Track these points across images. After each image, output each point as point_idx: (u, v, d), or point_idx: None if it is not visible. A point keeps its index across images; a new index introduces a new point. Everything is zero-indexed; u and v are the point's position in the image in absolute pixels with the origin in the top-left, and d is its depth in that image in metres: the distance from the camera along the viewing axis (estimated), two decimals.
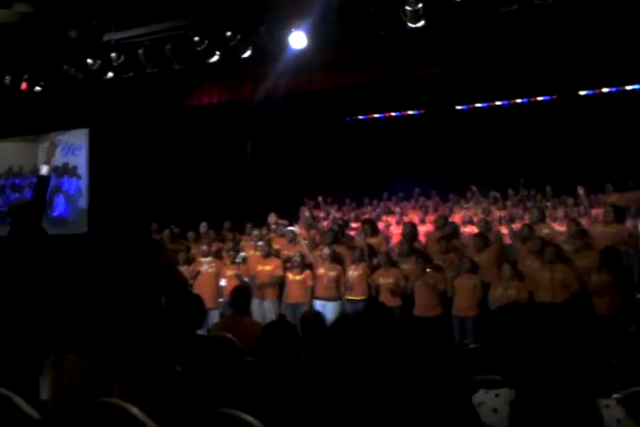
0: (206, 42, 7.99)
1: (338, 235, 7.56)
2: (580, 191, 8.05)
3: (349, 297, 6.85)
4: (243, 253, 7.78)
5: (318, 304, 6.93)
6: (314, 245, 7.57)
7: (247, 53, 8.05)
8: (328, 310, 6.83)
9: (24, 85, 9.36)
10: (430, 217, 9.12)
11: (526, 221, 7.79)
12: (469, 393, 1.56)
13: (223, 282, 7.50)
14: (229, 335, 3.89)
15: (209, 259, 7.73)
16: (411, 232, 7.52)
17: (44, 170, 4.07)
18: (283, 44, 7.77)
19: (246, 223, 9.03)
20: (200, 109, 10.17)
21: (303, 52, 7.90)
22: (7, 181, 11.46)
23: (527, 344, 1.57)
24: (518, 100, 11.90)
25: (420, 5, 6.88)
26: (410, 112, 12.83)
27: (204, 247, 7.94)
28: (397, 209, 9.91)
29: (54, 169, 11.00)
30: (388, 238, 8.30)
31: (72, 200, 10.85)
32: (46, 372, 3.23)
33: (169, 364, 2.52)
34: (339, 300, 6.91)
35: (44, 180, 4.05)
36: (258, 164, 12.04)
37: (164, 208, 9.81)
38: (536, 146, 11.05)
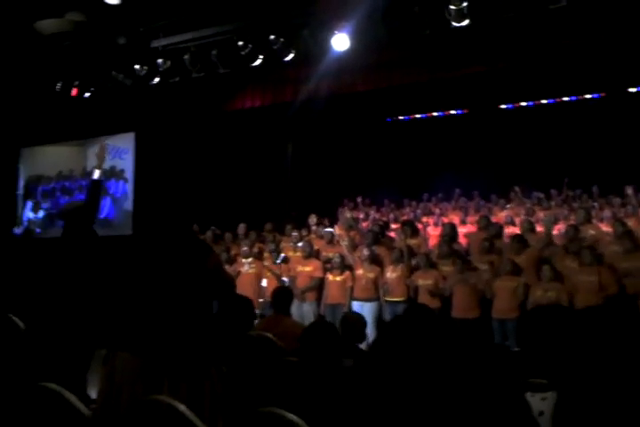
0: (250, 46, 8.10)
1: (378, 236, 7.55)
2: (629, 191, 7.83)
3: (388, 298, 6.84)
4: (283, 254, 7.84)
5: (356, 305, 6.95)
6: (353, 246, 7.59)
7: (290, 56, 8.13)
8: (366, 310, 6.83)
9: (74, 91, 9.65)
10: (471, 218, 9.01)
11: (571, 222, 7.63)
12: (523, 393, 1.55)
13: (264, 283, 7.57)
14: (270, 335, 3.93)
15: (250, 260, 7.82)
16: (450, 233, 7.46)
17: (96, 174, 4.19)
18: (325, 46, 7.82)
19: (286, 224, 9.10)
20: (243, 113, 10.29)
21: (346, 54, 7.92)
22: (57, 184, 11.83)
23: (571, 347, 1.55)
24: (565, 99, 11.63)
25: (465, 4, 6.83)
26: (452, 112, 12.69)
27: (245, 248, 8.04)
28: (437, 210, 9.83)
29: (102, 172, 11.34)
30: (427, 240, 8.25)
31: (118, 203, 11.13)
32: (94, 368, 3.32)
33: (217, 363, 2.56)
34: (377, 301, 6.92)
35: (97, 184, 4.16)
36: (299, 165, 12.11)
37: (206, 210, 9.96)
38: (582, 145, 10.79)
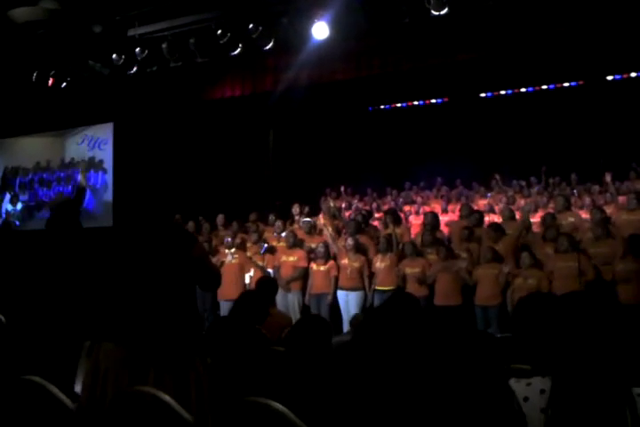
0: (229, 34, 8.02)
1: (361, 225, 7.56)
2: (608, 178, 7.93)
3: (378, 287, 6.85)
4: (266, 244, 7.83)
5: (341, 294, 6.97)
6: (337, 236, 7.60)
7: (269, 45, 8.06)
8: (351, 300, 6.87)
9: (51, 81, 9.49)
10: (452, 206, 9.07)
11: (550, 210, 7.71)
12: (506, 379, 1.57)
13: (252, 273, 7.54)
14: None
15: (233, 250, 7.79)
16: (432, 222, 7.49)
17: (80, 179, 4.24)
18: (305, 35, 7.77)
19: (269, 214, 9.08)
20: (223, 102, 10.21)
21: (326, 43, 7.89)
22: (35, 175, 11.66)
23: (561, 333, 1.57)
24: (544, 87, 11.71)
25: None
26: (433, 101, 12.72)
27: (229, 239, 8.01)
28: (418, 199, 9.88)
29: (79, 163, 11.21)
30: (409, 228, 8.29)
31: (98, 194, 11.01)
32: (81, 361, 3.30)
33: (202, 353, 2.56)
34: (362, 290, 6.93)
35: (78, 191, 4.22)
36: (280, 155, 12.08)
37: (188, 200, 9.90)
38: (562, 133, 10.90)
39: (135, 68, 8.89)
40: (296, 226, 8.45)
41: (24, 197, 11.62)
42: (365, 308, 6.82)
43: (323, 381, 2.40)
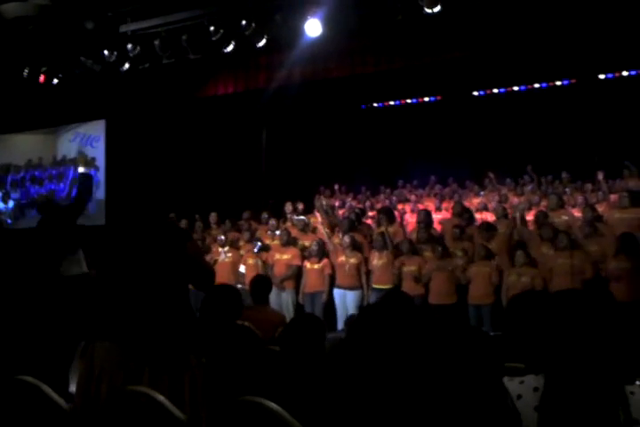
0: (222, 31, 7.99)
1: (354, 223, 7.56)
2: (600, 176, 7.96)
3: (375, 286, 6.83)
4: (260, 243, 7.82)
5: (338, 293, 6.93)
6: (331, 234, 7.59)
7: (262, 42, 8.04)
8: (349, 299, 6.83)
9: (42, 78, 9.43)
10: (446, 204, 9.09)
11: (542, 208, 7.74)
12: (500, 376, 1.57)
13: (242, 269, 7.53)
14: (248, 324, 3.93)
15: (226, 248, 7.78)
16: (425, 220, 7.50)
17: (82, 169, 4.21)
18: (298, 32, 7.75)
19: (263, 212, 9.07)
20: (216, 99, 10.19)
21: (319, 40, 7.87)
22: (27, 173, 11.60)
23: (554, 331, 1.57)
24: (536, 85, 11.75)
25: None
26: (426, 99, 12.74)
27: (222, 237, 8.00)
28: (413, 197, 9.89)
29: (72, 161, 11.16)
30: (404, 227, 8.29)
31: None
32: (75, 361, 3.29)
33: (197, 353, 2.56)
34: (360, 289, 6.89)
35: (83, 177, 4.18)
36: (273, 152, 12.06)
37: (180, 198, 9.88)
38: (554, 131, 10.93)
39: (127, 65, 8.84)
40: (289, 224, 8.44)
41: (15, 194, 11.56)
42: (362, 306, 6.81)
43: (317, 380, 2.40)
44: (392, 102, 13.05)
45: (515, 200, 8.78)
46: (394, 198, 10.00)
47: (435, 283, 6.57)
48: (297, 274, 7.30)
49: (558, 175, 9.72)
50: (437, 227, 8.02)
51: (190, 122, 10.71)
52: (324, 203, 8.43)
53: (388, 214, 7.71)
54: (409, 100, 12.90)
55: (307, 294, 7.14)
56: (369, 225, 8.07)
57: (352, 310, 6.72)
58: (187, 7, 8.02)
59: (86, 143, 10.96)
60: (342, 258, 6.97)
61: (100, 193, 10.77)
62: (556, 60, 9.39)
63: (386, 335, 1.47)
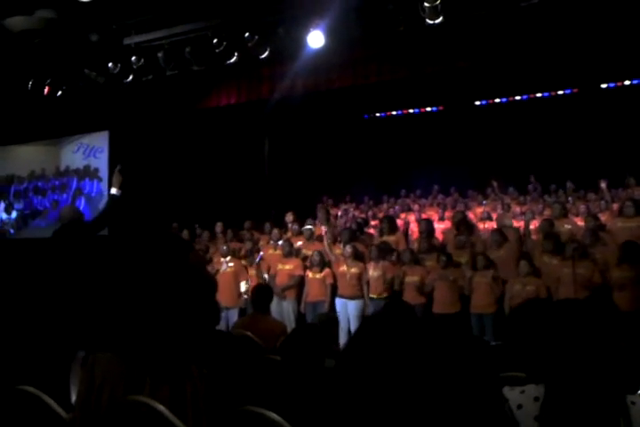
0: (225, 43, 8.05)
1: (355, 233, 7.56)
2: (603, 185, 7.95)
3: (372, 296, 6.85)
4: (262, 253, 7.81)
5: (340, 302, 6.93)
6: (333, 243, 7.60)
7: (265, 54, 8.09)
8: (350, 308, 6.83)
9: (47, 90, 9.50)
10: (449, 214, 9.09)
11: (546, 217, 7.73)
12: (499, 388, 1.57)
13: (243, 287, 7.51)
14: (249, 333, 3.93)
15: (228, 258, 7.78)
16: (427, 229, 7.50)
17: (114, 190, 4.23)
18: (301, 43, 7.80)
19: (265, 223, 9.08)
20: (219, 110, 10.23)
21: (321, 52, 7.92)
22: (30, 184, 11.64)
23: (555, 340, 1.56)
24: (538, 95, 11.78)
25: (439, 1, 6.86)
26: (428, 109, 12.78)
27: (224, 247, 8.00)
28: (416, 207, 9.90)
29: (75, 171, 11.21)
30: (407, 236, 8.29)
31: (93, 202, 10.99)
32: (75, 370, 3.28)
33: (198, 362, 2.55)
34: (361, 298, 6.89)
35: (113, 199, 4.21)
36: (276, 163, 12.09)
37: (183, 208, 9.89)
38: (556, 140, 10.94)
39: (131, 77, 8.91)
40: (289, 234, 8.43)
41: (19, 205, 11.60)
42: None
43: (318, 390, 2.39)
44: (394, 112, 13.10)
45: (517, 209, 8.77)
46: (397, 208, 10.00)
47: (438, 292, 6.56)
48: (299, 283, 7.30)
49: (560, 184, 9.72)
50: (440, 236, 8.01)
51: (193, 133, 10.75)
52: (322, 213, 8.43)
53: (390, 223, 7.72)
54: (411, 110, 12.95)
55: (308, 304, 7.14)
56: (371, 235, 8.06)
57: (353, 319, 6.71)
58: (190, 20, 8.09)
59: (90, 154, 11.00)
60: (343, 268, 6.98)
61: (102, 204, 10.80)
62: (558, 69, 9.42)
63: (387, 346, 1.47)
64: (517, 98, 11.94)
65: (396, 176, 12.01)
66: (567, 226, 7.28)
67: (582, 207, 8.14)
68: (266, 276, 7.51)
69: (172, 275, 2.60)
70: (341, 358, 1.44)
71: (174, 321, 2.56)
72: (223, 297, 6.52)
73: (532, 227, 8.00)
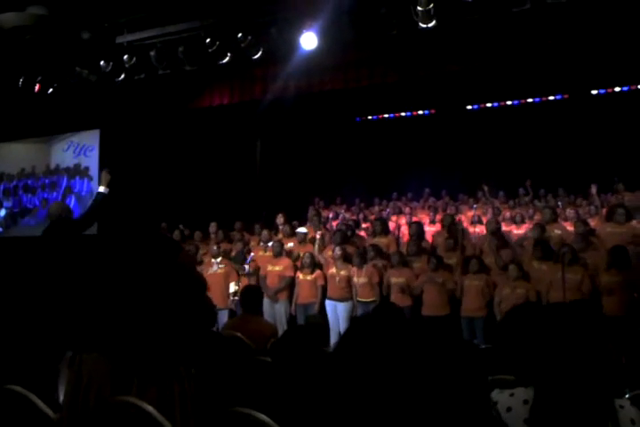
0: (218, 43, 8.03)
1: (347, 235, 7.56)
2: (593, 190, 7.99)
3: (359, 299, 6.86)
4: (252, 254, 7.80)
5: (329, 304, 6.94)
6: (323, 246, 7.60)
7: (258, 54, 8.09)
8: (339, 310, 6.85)
9: (37, 87, 9.44)
10: (439, 217, 9.11)
11: (536, 222, 7.76)
12: (488, 390, 1.57)
13: (232, 288, 7.49)
14: (239, 334, 3.92)
15: (219, 259, 7.76)
16: (417, 232, 7.52)
17: (101, 188, 4.23)
18: (293, 45, 7.80)
19: (255, 224, 9.06)
20: (211, 110, 10.21)
21: (314, 53, 7.92)
22: (20, 181, 11.56)
23: (545, 344, 1.57)
24: (529, 100, 11.86)
25: (432, 5, 6.88)
26: (420, 112, 12.82)
27: (215, 248, 7.97)
28: (407, 209, 9.92)
29: (65, 170, 11.15)
30: (397, 238, 8.30)
31: (83, 201, 10.93)
32: (63, 371, 3.26)
33: (186, 363, 2.54)
34: (350, 300, 6.90)
35: (100, 197, 4.19)
36: (267, 164, 12.08)
37: (173, 208, 9.86)
38: (547, 145, 11.02)
39: (123, 76, 8.86)
40: (281, 235, 8.42)
41: (8, 203, 11.51)
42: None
43: (308, 392, 2.39)
44: (386, 115, 13.14)
45: (507, 213, 8.81)
46: (388, 210, 10.02)
47: (427, 294, 6.57)
48: (290, 285, 7.29)
49: (550, 189, 9.77)
50: (430, 239, 8.03)
51: (185, 133, 10.72)
52: (314, 213, 8.43)
53: (382, 225, 7.74)
54: (403, 114, 13.00)
55: (299, 306, 7.14)
56: (362, 237, 8.06)
57: (343, 321, 6.72)
58: (183, 19, 8.06)
59: (80, 152, 10.94)
60: (333, 270, 6.99)
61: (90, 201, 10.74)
62: (549, 75, 9.48)
63: (375, 346, 1.47)
64: (509, 103, 12.02)
65: (388, 179, 12.05)
66: (557, 231, 7.30)
67: (572, 212, 8.18)
68: (246, 266, 7.46)
69: (161, 275, 2.59)
70: (330, 359, 1.44)
71: (162, 321, 2.55)
72: (213, 298, 6.49)
73: (521, 231, 8.04)
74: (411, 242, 7.27)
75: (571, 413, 1.50)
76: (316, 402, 2.11)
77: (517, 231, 8.18)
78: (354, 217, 9.91)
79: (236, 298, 7.24)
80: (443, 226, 7.95)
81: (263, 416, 2.06)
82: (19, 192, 11.51)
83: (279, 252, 7.45)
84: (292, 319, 7.19)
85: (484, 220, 8.54)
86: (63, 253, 3.71)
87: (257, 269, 7.62)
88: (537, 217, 8.28)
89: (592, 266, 6.19)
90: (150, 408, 2.08)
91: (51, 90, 9.54)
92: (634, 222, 7.16)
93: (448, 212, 9.21)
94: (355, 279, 6.86)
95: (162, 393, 2.38)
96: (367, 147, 12.72)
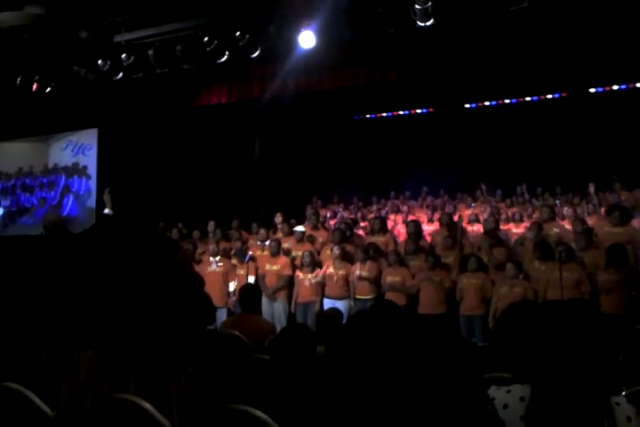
0: (216, 42, 8.03)
1: (345, 234, 7.56)
2: (591, 189, 7.99)
3: (357, 296, 6.87)
4: (250, 253, 7.80)
5: (328, 303, 6.94)
6: (321, 245, 7.60)
7: (256, 53, 8.08)
8: (338, 308, 6.85)
9: (35, 86, 9.43)
10: (437, 216, 9.12)
11: (534, 220, 7.76)
12: (485, 387, 1.58)
13: (232, 286, 7.50)
14: (237, 333, 3.92)
15: (217, 258, 7.75)
16: (415, 230, 7.53)
17: (107, 210, 4.25)
18: (292, 43, 7.79)
19: (253, 222, 9.06)
20: (209, 109, 10.21)
21: (312, 52, 7.92)
22: (17, 180, 11.55)
23: (542, 341, 1.58)
24: (527, 98, 11.86)
25: (430, 4, 6.88)
26: (418, 111, 12.82)
27: (213, 246, 7.97)
28: (405, 208, 9.92)
29: (64, 169, 11.15)
30: (395, 237, 8.30)
31: (81, 200, 10.93)
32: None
33: (184, 361, 2.54)
34: (348, 298, 6.92)
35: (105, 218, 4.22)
36: (266, 162, 12.08)
37: (172, 207, 9.86)
38: (545, 144, 11.02)
39: (121, 74, 8.86)
40: (279, 234, 8.42)
41: (6, 202, 11.50)
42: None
43: (305, 389, 2.39)
44: (385, 114, 13.13)
45: (506, 212, 8.81)
46: (386, 209, 10.02)
47: (424, 293, 6.58)
48: (288, 284, 7.29)
49: (548, 187, 9.78)
50: (429, 238, 8.03)
51: (183, 131, 10.71)
52: (312, 212, 8.43)
53: (381, 223, 7.74)
54: (401, 112, 12.99)
55: (299, 304, 7.14)
56: (360, 236, 8.06)
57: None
58: (181, 18, 8.05)
59: (78, 151, 10.94)
60: (331, 269, 7.00)
61: (91, 201, 10.74)
62: (547, 73, 9.48)
63: (372, 343, 1.47)
64: (507, 101, 12.01)
65: (386, 177, 12.05)
66: (555, 229, 7.30)
67: (569, 211, 8.19)
68: (251, 277, 7.46)
69: (158, 273, 2.59)
70: (327, 355, 1.44)
71: (159, 319, 2.55)
72: (212, 296, 6.49)
73: (520, 230, 8.04)
74: (409, 241, 7.27)
75: (567, 410, 1.51)
76: (313, 399, 2.12)
77: (517, 230, 8.19)
78: (352, 216, 9.91)
79: (234, 298, 7.26)
80: (441, 224, 7.95)
81: (260, 413, 2.06)
82: (17, 191, 11.51)
83: (277, 251, 7.45)
84: (291, 318, 7.18)
85: (482, 218, 8.55)
86: (60, 251, 3.72)
87: (256, 269, 7.61)
88: (536, 215, 8.29)
89: (590, 264, 6.19)
90: (148, 406, 2.09)
91: (48, 89, 9.53)
92: (634, 222, 7.17)
93: (446, 210, 9.21)
94: (357, 273, 6.86)
95: (159, 391, 2.38)
96: (365, 145, 12.72)
